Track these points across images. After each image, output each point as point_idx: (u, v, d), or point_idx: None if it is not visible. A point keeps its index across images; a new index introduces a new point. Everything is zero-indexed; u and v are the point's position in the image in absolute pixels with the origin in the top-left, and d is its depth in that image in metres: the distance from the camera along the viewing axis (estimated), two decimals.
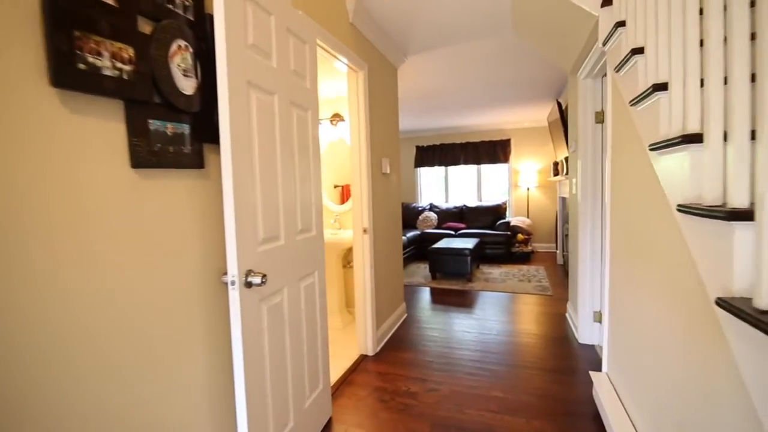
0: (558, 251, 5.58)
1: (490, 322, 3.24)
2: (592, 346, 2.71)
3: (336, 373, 2.36)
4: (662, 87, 1.17)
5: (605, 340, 2.01)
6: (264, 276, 1.25)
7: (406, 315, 3.44)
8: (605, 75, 2.55)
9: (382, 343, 2.82)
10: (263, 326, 1.37)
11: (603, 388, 1.91)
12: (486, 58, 3.47)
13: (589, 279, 2.70)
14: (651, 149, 1.21)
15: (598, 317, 2.69)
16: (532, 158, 6.66)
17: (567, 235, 5.09)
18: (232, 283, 1.21)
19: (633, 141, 1.58)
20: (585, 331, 2.75)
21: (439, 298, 4.03)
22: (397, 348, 2.77)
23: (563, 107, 4.45)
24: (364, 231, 2.58)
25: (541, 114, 5.92)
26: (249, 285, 1.25)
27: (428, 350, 2.72)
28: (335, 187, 3.65)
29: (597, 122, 2.61)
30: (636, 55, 1.39)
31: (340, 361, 2.56)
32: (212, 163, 1.30)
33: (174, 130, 1.11)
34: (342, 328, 3.17)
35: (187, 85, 1.15)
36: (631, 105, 1.42)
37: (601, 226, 2.64)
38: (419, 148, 7.25)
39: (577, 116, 2.74)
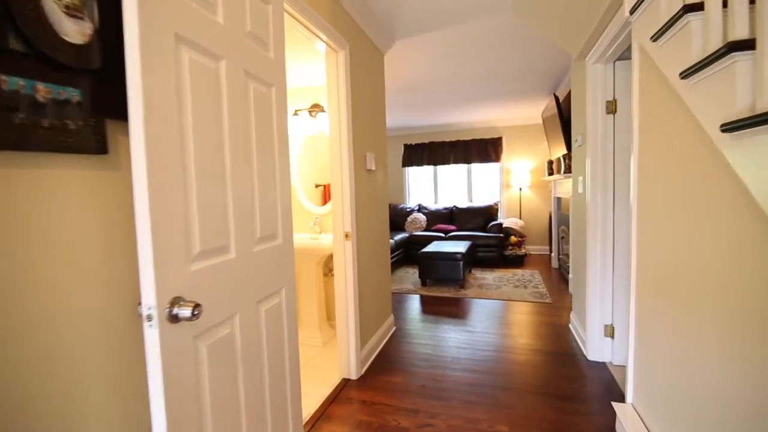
0: (553, 254, 5.33)
1: (487, 335, 2.93)
2: (603, 364, 2.41)
3: (312, 405, 2.01)
4: (742, 46, 0.87)
5: (630, 367, 1.70)
6: (197, 306, 0.89)
7: (394, 328, 3.10)
8: (618, 59, 2.27)
9: (368, 364, 2.47)
10: (201, 370, 1.00)
11: (629, 421, 1.60)
12: (479, 46, 3.17)
13: (599, 289, 2.41)
14: (724, 130, 0.90)
15: (609, 332, 2.40)
16: (524, 157, 6.41)
17: (563, 238, 4.84)
18: (148, 318, 0.84)
19: (677, 127, 1.28)
20: (594, 347, 2.45)
21: (431, 307, 3.71)
22: (385, 369, 2.43)
23: (560, 101, 4.18)
24: (346, 236, 2.23)
25: (535, 111, 5.67)
26: (175, 318, 0.89)
27: (420, 372, 2.38)
28: (316, 186, 3.28)
29: (608, 113, 2.32)
30: (690, 14, 1.08)
31: (319, 387, 2.20)
32: (124, 148, 0.93)
33: (50, 94, 0.75)
34: (322, 345, 2.81)
35: (74, 30, 0.78)
36: (683, 78, 1.11)
37: (612, 229, 2.35)
38: (407, 147, 6.93)
39: (585, 106, 2.45)
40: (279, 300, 1.41)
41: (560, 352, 2.60)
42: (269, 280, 1.34)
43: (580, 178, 2.68)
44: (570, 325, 3.03)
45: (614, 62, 2.29)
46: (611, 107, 2.31)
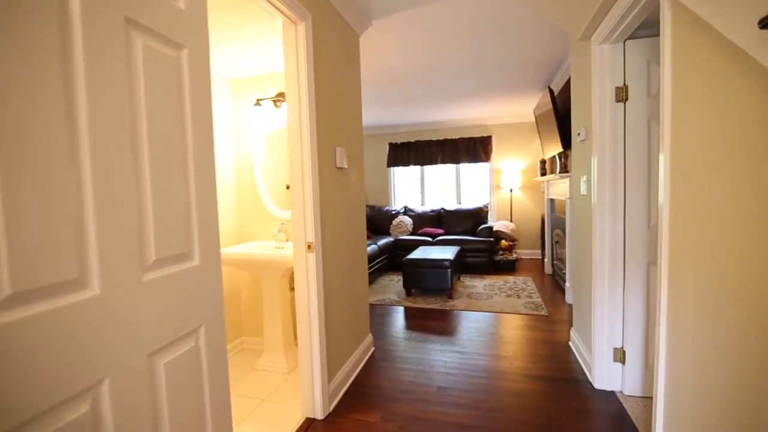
0: (546, 259, 5.02)
1: (478, 357, 2.57)
2: (612, 393, 2.07)
3: None
4: None
5: (659, 403, 1.36)
6: None
7: (373, 349, 2.72)
8: (629, 38, 1.93)
9: (338, 397, 2.09)
10: None
11: None
12: (466, 32, 2.82)
13: (607, 308, 2.07)
14: None
15: (619, 356, 2.06)
16: (515, 157, 6.10)
17: (557, 242, 4.52)
18: None
19: (740, 107, 0.93)
20: (602, 373, 2.11)
21: (415, 321, 3.34)
22: (359, 405, 2.04)
23: (556, 95, 3.87)
24: (309, 247, 1.84)
25: (526, 108, 5.36)
26: None
27: (400, 407, 2.01)
28: (288, 187, 2.89)
29: (618, 101, 1.99)
30: None
31: (277, 431, 1.81)
32: None
33: None
34: (288, 372, 2.41)
35: None
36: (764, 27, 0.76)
37: (623, 236, 2.01)
38: (392, 146, 6.56)
39: (590, 95, 2.11)
40: (194, 344, 1.02)
41: (562, 378, 2.25)
42: (175, 318, 0.95)
43: (583, 177, 2.34)
44: (570, 344, 2.70)
45: (624, 42, 1.96)
46: (621, 94, 1.97)
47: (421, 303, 3.81)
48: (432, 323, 3.26)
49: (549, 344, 2.74)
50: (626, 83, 1.96)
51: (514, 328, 3.07)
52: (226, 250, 2.37)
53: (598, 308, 2.11)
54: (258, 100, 2.59)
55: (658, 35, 1.93)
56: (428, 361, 2.53)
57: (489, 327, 3.13)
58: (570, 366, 2.39)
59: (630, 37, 1.94)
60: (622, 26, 1.77)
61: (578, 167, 2.49)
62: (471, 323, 3.22)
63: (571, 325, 3.06)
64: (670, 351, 1.31)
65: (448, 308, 3.63)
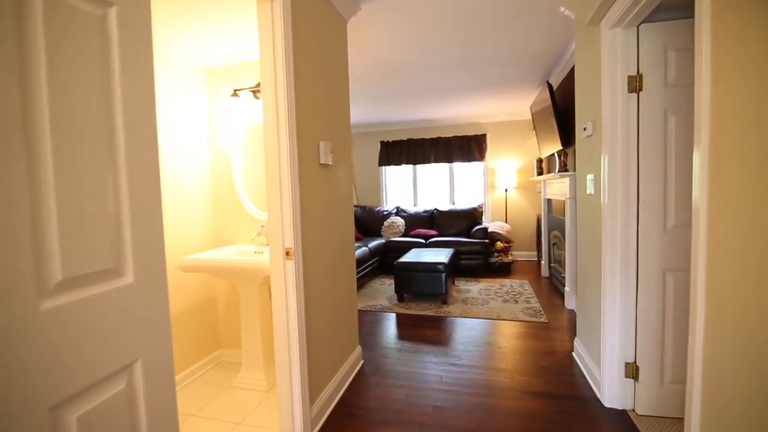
0: (543, 262, 4.85)
1: (477, 371, 2.37)
2: (624, 412, 1.89)
3: None
4: None
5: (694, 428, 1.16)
6: None
7: (362, 362, 2.50)
8: (643, 22, 1.75)
9: (322, 421, 1.87)
10: None
11: None
12: (461, 19, 2.62)
13: (618, 319, 1.88)
14: None
15: (631, 372, 1.88)
16: (510, 156, 5.94)
17: (555, 244, 4.35)
18: None
19: None
20: (612, 390, 1.93)
21: (408, 330, 3.13)
22: (346, 430, 1.83)
23: (555, 90, 3.69)
24: (287, 254, 1.62)
25: (521, 105, 5.20)
26: None
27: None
28: None
29: (631, 91, 1.80)
30: None
31: None
32: None
33: None
34: (267, 390, 2.19)
35: None
36: None
37: (636, 241, 1.83)
38: (384, 144, 6.35)
39: (599, 84, 1.93)
40: (125, 386, 0.79)
41: (568, 395, 2.06)
42: (93, 354, 0.72)
43: (590, 175, 2.16)
44: (574, 355, 2.51)
45: (638, 27, 1.78)
46: (635, 84, 1.79)
47: (414, 309, 3.60)
48: (426, 332, 3.06)
49: (551, 355, 2.55)
50: (640, 72, 1.78)
51: (513, 337, 2.88)
52: (197, 256, 2.13)
53: (608, 319, 1.92)
54: (235, 90, 2.36)
55: (675, 19, 1.77)
56: (422, 375, 2.32)
57: (486, 335, 2.93)
58: (575, 380, 2.21)
59: (644, 21, 1.75)
60: (637, 8, 1.58)
61: (584, 165, 2.30)
62: (467, 331, 3.03)
63: (573, 333, 2.88)
64: (708, 369, 1.12)
65: (442, 315, 3.43)
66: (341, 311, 2.19)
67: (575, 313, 3.32)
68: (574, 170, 3.45)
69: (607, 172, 1.87)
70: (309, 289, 1.77)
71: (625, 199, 1.83)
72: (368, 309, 3.66)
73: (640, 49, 1.78)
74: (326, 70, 2.03)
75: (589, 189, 2.17)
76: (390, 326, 3.23)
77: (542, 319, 3.21)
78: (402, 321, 3.34)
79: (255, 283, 2.15)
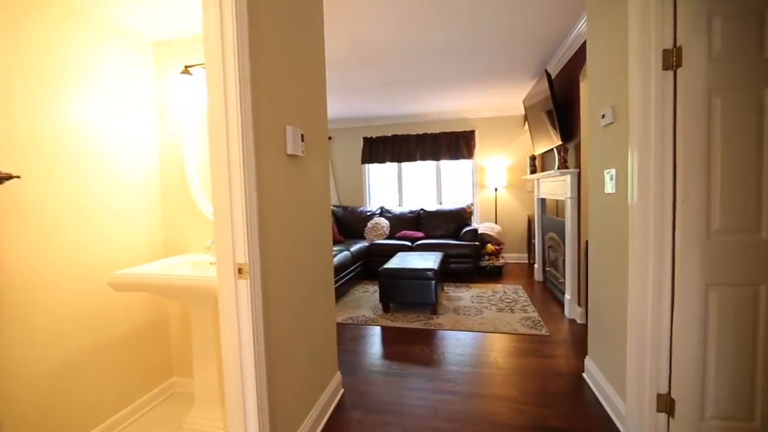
0: (536, 265, 4.58)
1: (478, 400, 2.02)
2: None
3: None
4: None
5: None
6: None
7: (342, 392, 2.12)
8: None
9: None
10: None
11: None
12: (448, 3, 2.28)
13: (650, 343, 1.56)
14: None
15: (664, 405, 1.57)
16: (500, 153, 5.66)
17: (551, 247, 4.07)
18: None
19: None
20: (641, 427, 1.61)
21: (395, 347, 2.77)
22: None
23: (553, 79, 3.40)
24: (239, 272, 1.23)
25: (512, 100, 4.91)
26: None
27: None
28: None
29: (666, 68, 1.48)
30: None
31: None
32: None
33: None
34: (225, 428, 1.78)
35: None
36: None
37: (672, 250, 1.51)
38: (367, 141, 5.97)
39: (623, 62, 1.61)
40: None
41: (586, 430, 1.74)
42: None
43: (610, 171, 1.84)
44: (585, 376, 2.20)
45: None
46: (671, 59, 1.47)
47: (402, 321, 3.24)
48: (415, 349, 2.70)
49: (559, 377, 2.23)
50: (678, 44, 1.46)
51: (513, 354, 2.56)
52: (134, 271, 1.69)
53: (635, 341, 1.60)
54: (186, 66, 1.95)
55: None
56: (414, 408, 1.96)
57: (484, 353, 2.60)
58: (591, 411, 1.89)
59: None
60: None
61: (601, 159, 1.99)
62: (462, 348, 2.68)
63: (578, 348, 2.58)
64: None
65: (433, 327, 3.08)
66: (315, 336, 1.81)
67: (579, 325, 3.03)
68: (575, 167, 3.17)
69: (636, 166, 1.55)
70: (271, 314, 1.38)
71: (660, 198, 1.51)
72: (350, 322, 3.28)
73: (678, 16, 1.46)
74: (297, 42, 1.65)
75: (609, 187, 1.86)
76: (374, 342, 2.86)
77: (543, 332, 2.91)
78: (388, 335, 2.98)
79: (208, 303, 1.74)
